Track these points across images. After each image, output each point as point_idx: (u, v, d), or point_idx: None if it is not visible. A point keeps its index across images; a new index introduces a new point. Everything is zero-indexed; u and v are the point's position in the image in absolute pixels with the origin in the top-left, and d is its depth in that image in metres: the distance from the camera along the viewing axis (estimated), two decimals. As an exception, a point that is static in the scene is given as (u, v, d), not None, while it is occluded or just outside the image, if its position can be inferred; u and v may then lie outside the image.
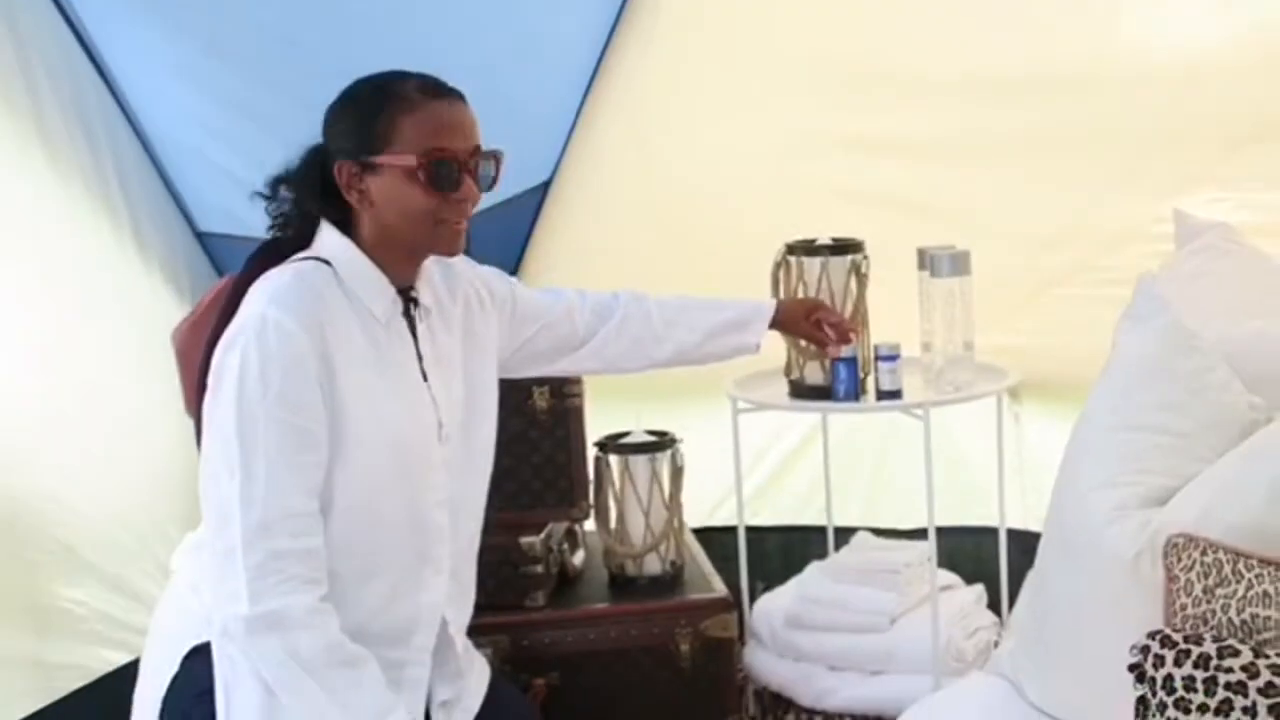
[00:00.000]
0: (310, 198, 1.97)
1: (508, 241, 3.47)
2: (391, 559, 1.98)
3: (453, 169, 1.88)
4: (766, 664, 2.99)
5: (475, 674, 2.18)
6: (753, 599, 3.08)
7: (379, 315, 1.94)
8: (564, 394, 2.91)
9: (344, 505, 1.92)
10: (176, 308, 3.12)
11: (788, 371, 2.91)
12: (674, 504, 2.91)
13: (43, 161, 2.89)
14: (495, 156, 1.95)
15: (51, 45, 2.90)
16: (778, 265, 2.88)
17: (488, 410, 2.15)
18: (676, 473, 2.92)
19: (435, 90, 1.91)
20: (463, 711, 2.10)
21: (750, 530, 3.13)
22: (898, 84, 3.19)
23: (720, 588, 2.89)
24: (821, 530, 3.23)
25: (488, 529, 2.21)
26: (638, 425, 3.01)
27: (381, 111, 1.89)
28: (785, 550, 3.27)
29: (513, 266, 3.53)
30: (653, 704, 2.79)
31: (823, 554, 3.17)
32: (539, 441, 2.92)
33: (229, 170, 3.09)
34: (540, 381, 2.89)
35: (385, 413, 1.94)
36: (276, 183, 2.00)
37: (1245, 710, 1.60)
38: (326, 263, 1.93)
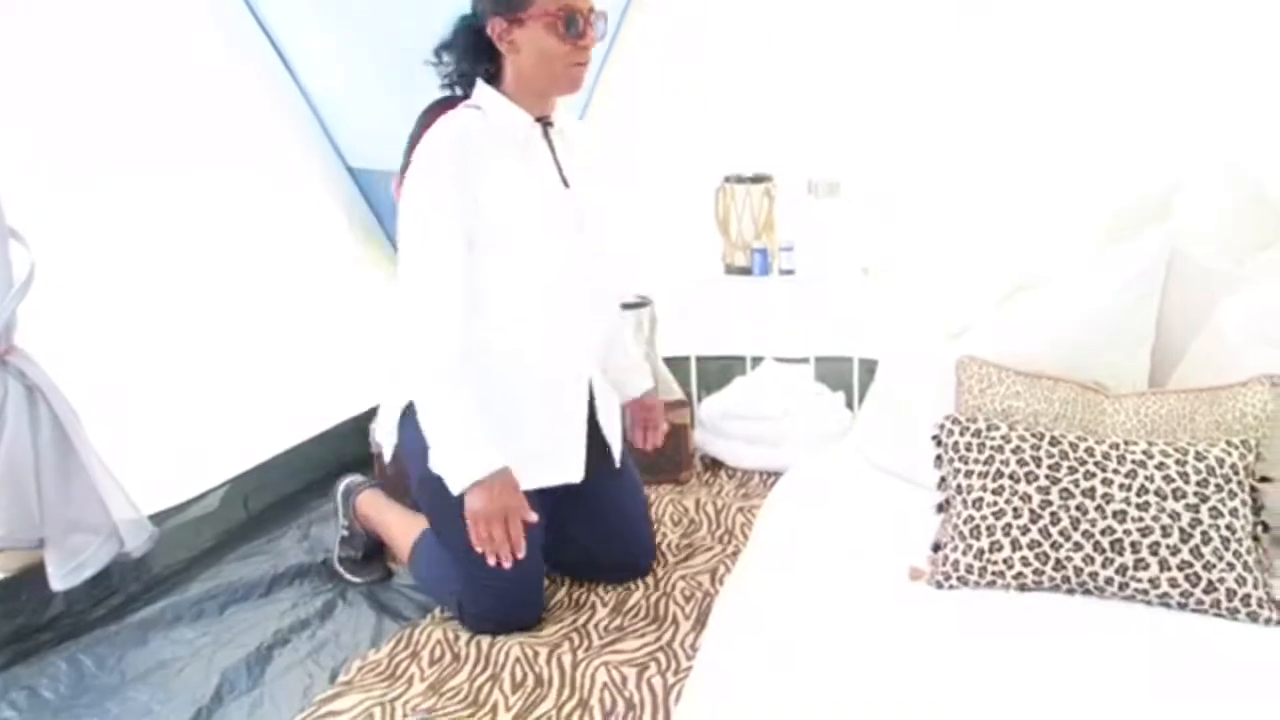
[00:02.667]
0: (464, 57, 1.87)
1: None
2: (544, 312, 1.92)
3: (579, 21, 1.79)
4: (709, 441, 3.05)
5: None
6: (700, 400, 3.14)
7: (519, 139, 1.86)
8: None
9: (504, 282, 1.85)
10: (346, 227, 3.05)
11: (724, 257, 2.94)
12: (651, 341, 2.95)
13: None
14: (604, 15, 1.82)
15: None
16: (718, 190, 2.88)
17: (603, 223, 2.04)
18: (652, 323, 2.96)
19: None
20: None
21: (700, 359, 3.18)
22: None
23: (679, 393, 2.95)
24: (743, 358, 3.28)
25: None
26: (628, 294, 3.02)
27: None
28: (722, 370, 3.29)
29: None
30: (638, 464, 2.85)
31: (744, 372, 3.22)
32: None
33: (369, 116, 2.91)
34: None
35: (532, 205, 1.86)
36: (439, 50, 1.90)
37: (1002, 462, 1.64)
38: (476, 108, 1.85)
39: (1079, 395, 1.81)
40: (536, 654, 1.95)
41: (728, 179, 2.88)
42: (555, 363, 1.96)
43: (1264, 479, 1.62)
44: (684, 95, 3.20)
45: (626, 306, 2.93)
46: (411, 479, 2.04)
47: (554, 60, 1.80)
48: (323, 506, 2.72)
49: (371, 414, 2.89)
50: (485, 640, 2.01)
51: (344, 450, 2.96)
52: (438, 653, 2.01)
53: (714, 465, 3.02)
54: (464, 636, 2.04)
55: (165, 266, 2.44)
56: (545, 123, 1.91)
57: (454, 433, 1.80)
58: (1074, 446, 1.63)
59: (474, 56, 1.88)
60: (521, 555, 1.82)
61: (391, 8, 2.60)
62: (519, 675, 1.90)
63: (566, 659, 1.93)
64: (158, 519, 2.27)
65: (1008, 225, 2.27)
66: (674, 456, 2.87)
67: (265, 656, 2.01)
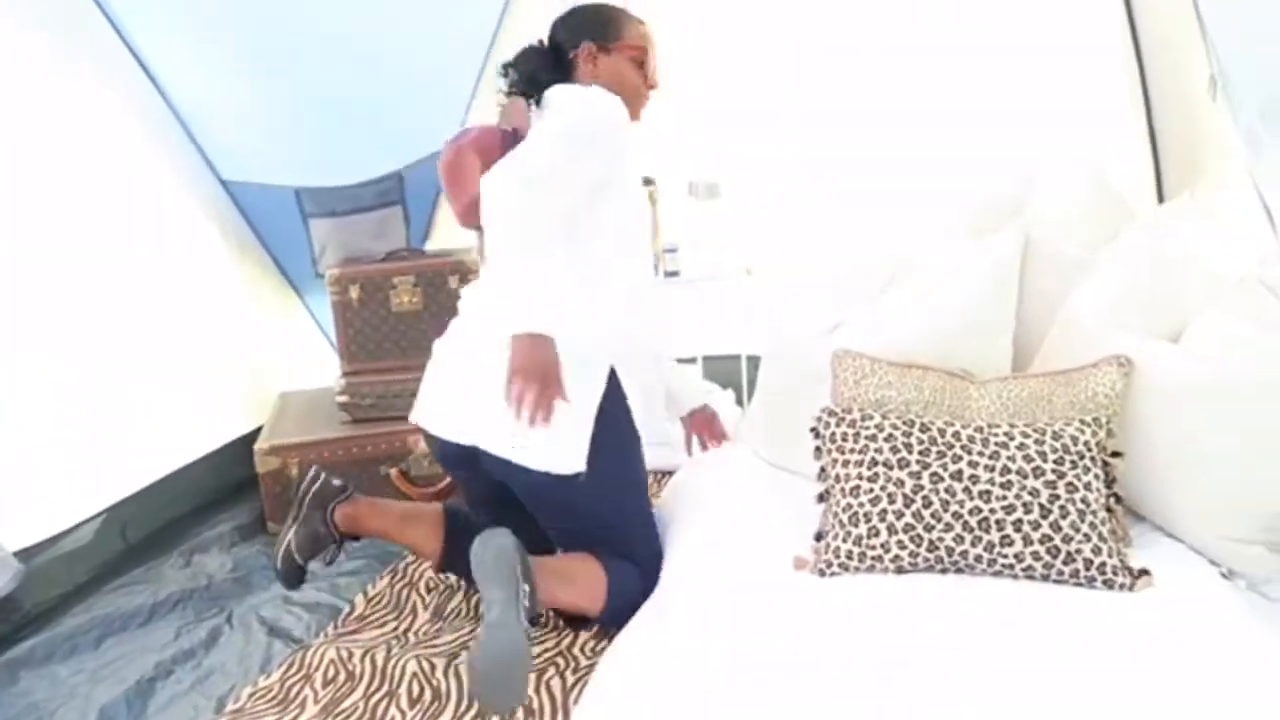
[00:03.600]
0: (544, 69, 1.96)
1: (421, 199, 3.30)
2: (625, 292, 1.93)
3: (651, 63, 1.99)
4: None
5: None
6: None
7: None
8: (468, 280, 2.89)
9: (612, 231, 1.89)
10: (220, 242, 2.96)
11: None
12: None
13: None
14: None
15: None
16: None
17: None
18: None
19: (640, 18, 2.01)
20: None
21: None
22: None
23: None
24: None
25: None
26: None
27: (618, 16, 1.98)
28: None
29: (427, 218, 3.37)
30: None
31: (635, 374, 3.24)
32: (454, 309, 2.83)
33: (240, 130, 2.86)
34: (453, 270, 2.89)
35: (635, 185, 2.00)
36: (508, 66, 1.99)
37: (876, 450, 1.70)
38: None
39: (947, 383, 1.89)
40: (434, 666, 1.93)
41: (610, 183, 2.90)
42: (624, 334, 1.93)
43: (1115, 454, 1.72)
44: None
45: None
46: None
47: (626, 88, 1.95)
48: (207, 532, 2.64)
49: (256, 434, 2.82)
50: (380, 655, 1.98)
51: (229, 472, 2.88)
52: (331, 673, 1.97)
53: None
54: (358, 654, 2.00)
55: (29, 289, 2.33)
56: None
57: (543, 270, 1.67)
58: (942, 432, 1.71)
59: (552, 71, 1.97)
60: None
61: (259, 23, 2.56)
62: (416, 690, 1.88)
63: (465, 670, 1.92)
64: (25, 555, 2.17)
65: (878, 223, 2.36)
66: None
67: (146, 690, 1.93)
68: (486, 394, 1.74)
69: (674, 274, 2.84)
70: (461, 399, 1.89)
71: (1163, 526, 1.80)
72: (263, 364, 3.19)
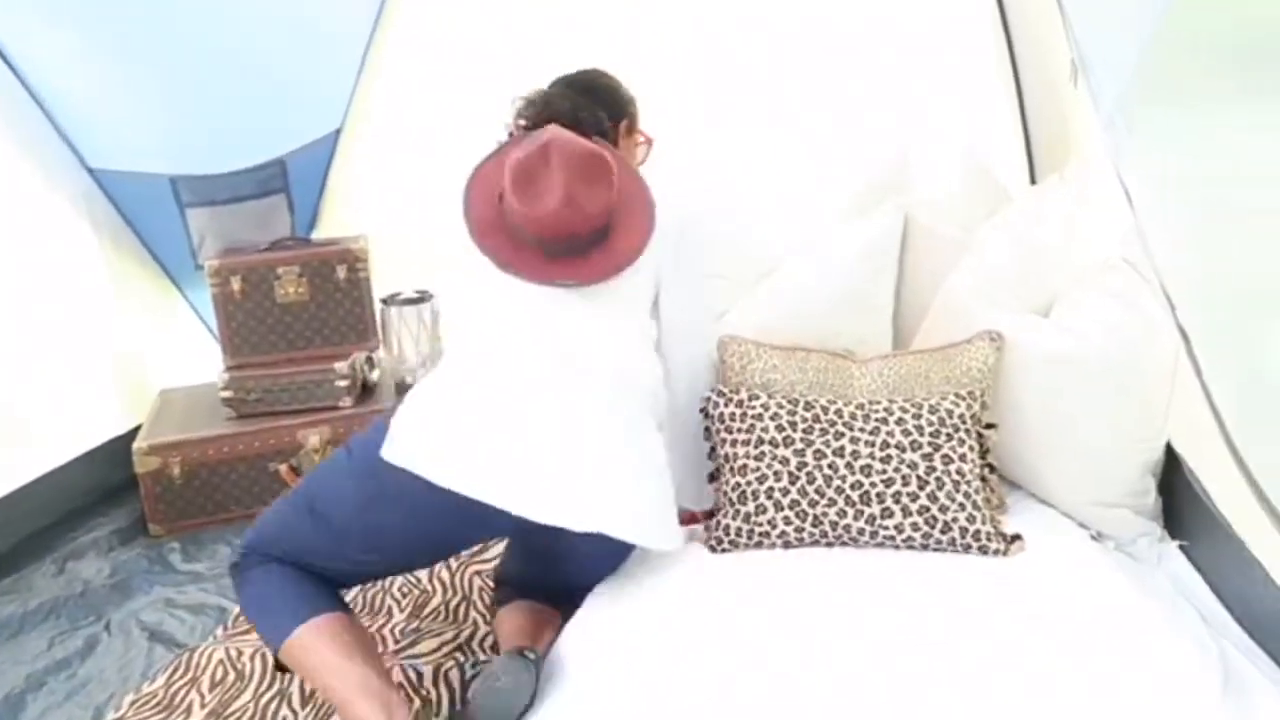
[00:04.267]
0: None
1: (307, 186, 3.20)
2: None
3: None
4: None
5: None
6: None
7: None
8: (356, 269, 2.85)
9: None
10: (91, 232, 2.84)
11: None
12: (434, 335, 2.92)
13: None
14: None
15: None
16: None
17: None
18: (434, 316, 2.92)
19: None
20: None
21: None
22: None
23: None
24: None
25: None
26: (409, 288, 2.97)
27: (635, 106, 1.96)
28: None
29: (313, 206, 3.28)
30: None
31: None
32: (342, 300, 2.85)
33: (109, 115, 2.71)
34: (340, 260, 2.83)
35: None
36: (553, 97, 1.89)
37: (763, 429, 1.74)
38: None
39: (830, 363, 1.94)
40: (325, 665, 1.89)
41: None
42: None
43: (989, 425, 1.80)
44: (449, 96, 3.19)
45: (406, 302, 2.89)
46: None
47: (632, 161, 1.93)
48: (82, 537, 2.52)
49: (135, 433, 2.71)
50: (270, 655, 1.93)
51: (106, 474, 2.75)
52: (220, 674, 1.91)
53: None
54: (248, 652, 1.95)
55: None
56: None
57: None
58: (825, 410, 1.75)
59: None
60: None
61: (123, 7, 2.45)
62: (308, 688, 1.84)
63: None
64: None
65: (760, 209, 2.39)
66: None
67: (16, 704, 1.84)
68: (632, 482, 1.57)
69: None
70: (580, 480, 1.54)
71: (1036, 494, 1.89)
72: (141, 360, 3.06)
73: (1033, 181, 2.82)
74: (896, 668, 1.35)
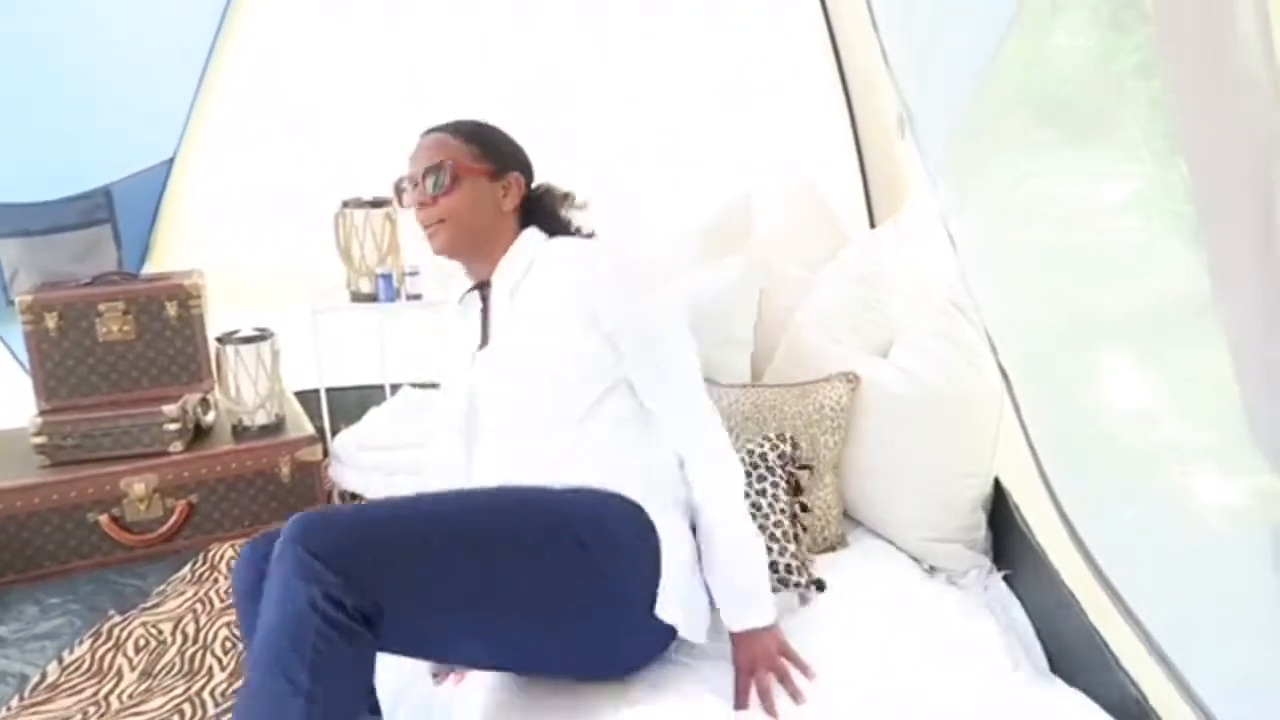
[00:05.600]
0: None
1: (136, 218, 3.04)
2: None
3: (402, 190, 1.62)
4: (344, 474, 2.90)
5: None
6: (335, 433, 3.01)
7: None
8: (188, 306, 2.70)
9: None
10: None
11: (348, 285, 2.85)
12: (274, 375, 2.78)
13: None
14: (434, 169, 1.55)
15: None
16: (337, 216, 2.79)
17: None
18: (275, 355, 2.79)
19: None
20: None
21: (336, 390, 3.04)
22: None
23: (309, 428, 2.80)
24: (381, 387, 3.19)
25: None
26: (246, 325, 2.83)
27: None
28: (361, 400, 3.18)
29: (144, 239, 3.13)
30: (265, 510, 2.71)
31: (382, 400, 3.13)
32: (172, 339, 2.70)
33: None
34: (170, 295, 2.68)
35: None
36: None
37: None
38: None
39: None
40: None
41: (346, 204, 2.79)
42: None
43: (804, 466, 1.84)
44: (293, 120, 3.10)
45: (243, 341, 2.76)
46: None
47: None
48: None
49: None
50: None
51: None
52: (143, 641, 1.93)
53: (352, 500, 2.90)
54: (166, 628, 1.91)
55: None
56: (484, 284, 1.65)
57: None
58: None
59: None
60: None
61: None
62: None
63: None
64: None
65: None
66: (306, 496, 2.73)
67: None
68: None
69: (416, 297, 2.77)
70: None
71: (879, 531, 1.94)
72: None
73: (871, 225, 2.94)
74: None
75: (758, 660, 1.44)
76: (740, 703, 1.41)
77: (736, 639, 1.47)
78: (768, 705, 1.39)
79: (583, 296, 1.48)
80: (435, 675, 1.63)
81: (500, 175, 1.60)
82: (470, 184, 1.56)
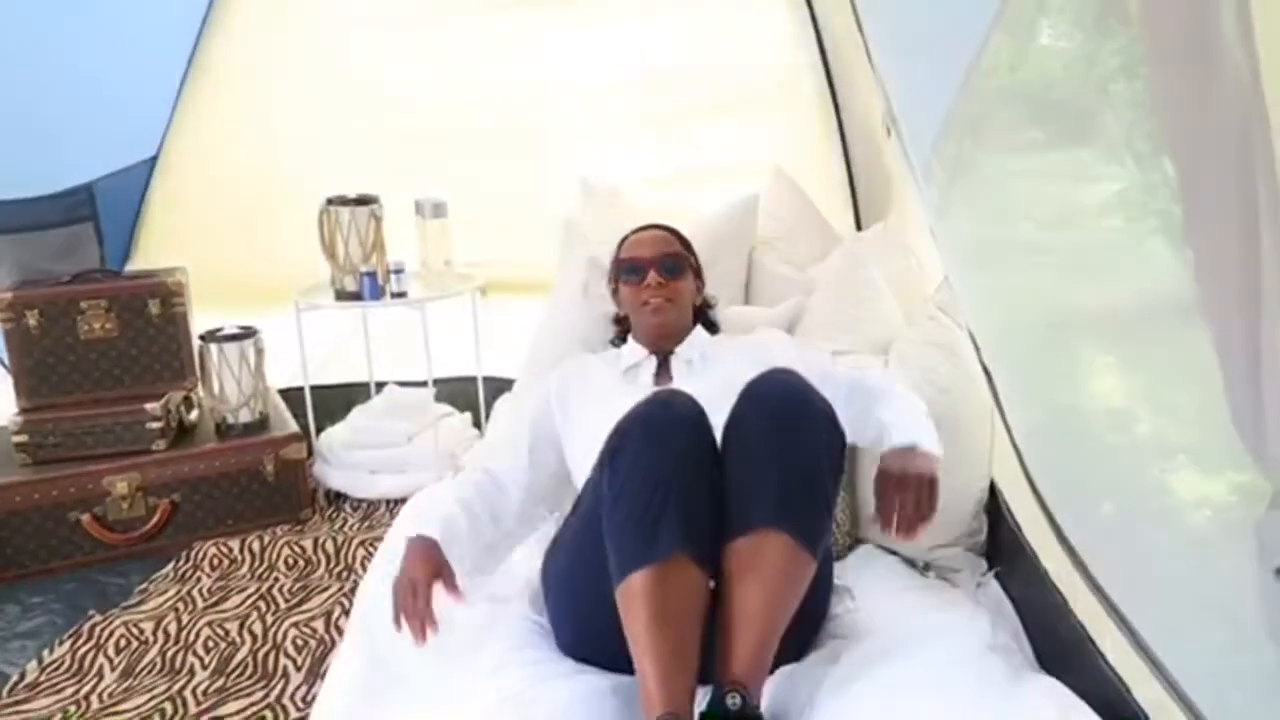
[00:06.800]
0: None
1: (119, 216, 3.03)
2: None
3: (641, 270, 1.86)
4: (328, 473, 2.92)
5: None
6: (319, 431, 3.00)
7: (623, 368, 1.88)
8: (171, 304, 2.68)
9: None
10: None
11: (333, 283, 2.83)
12: (259, 374, 2.77)
13: None
14: (670, 257, 1.86)
15: None
16: (321, 213, 2.77)
17: None
18: (259, 353, 2.77)
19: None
20: None
21: (320, 388, 3.03)
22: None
23: (293, 426, 2.79)
24: (366, 384, 3.18)
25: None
26: (230, 325, 2.81)
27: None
28: (346, 399, 3.16)
29: (127, 237, 3.11)
30: (249, 508, 2.69)
31: (367, 399, 3.12)
32: (155, 337, 2.68)
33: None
34: (153, 293, 2.66)
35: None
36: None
37: None
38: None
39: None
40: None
41: (331, 201, 2.77)
42: None
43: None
44: (277, 118, 3.09)
45: (227, 339, 2.74)
46: None
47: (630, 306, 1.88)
48: None
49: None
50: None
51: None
52: (123, 642, 1.91)
53: (337, 499, 2.90)
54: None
55: None
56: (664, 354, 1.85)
57: None
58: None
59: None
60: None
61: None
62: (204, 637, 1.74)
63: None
64: None
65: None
66: (290, 494, 2.72)
67: None
68: None
69: (401, 295, 2.76)
70: None
71: (882, 545, 1.91)
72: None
73: (858, 226, 2.94)
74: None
75: (909, 472, 1.47)
76: (887, 520, 1.44)
77: (896, 452, 1.51)
78: (905, 518, 1.43)
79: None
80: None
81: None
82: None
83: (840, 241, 2.50)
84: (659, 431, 1.37)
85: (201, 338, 2.75)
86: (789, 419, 1.39)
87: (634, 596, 1.28)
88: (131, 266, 3.07)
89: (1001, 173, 1.56)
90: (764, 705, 1.29)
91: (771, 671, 1.35)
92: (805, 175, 2.70)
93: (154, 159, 3.09)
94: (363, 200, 2.77)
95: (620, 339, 1.98)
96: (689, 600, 1.30)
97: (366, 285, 2.71)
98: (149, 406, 2.60)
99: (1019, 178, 1.51)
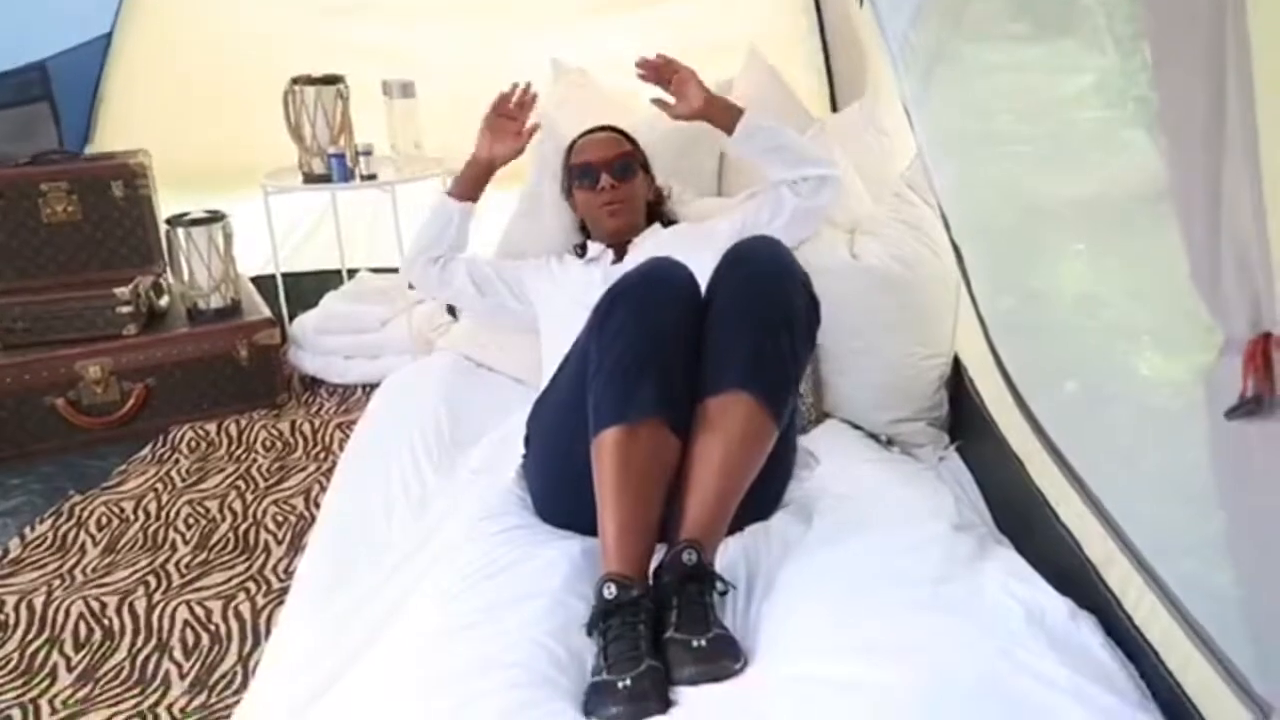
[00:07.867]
0: None
1: (75, 95, 2.92)
2: None
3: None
4: (303, 359, 2.91)
5: None
6: (293, 318, 2.97)
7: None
8: (135, 186, 2.61)
9: None
10: None
11: (301, 166, 2.76)
12: (228, 258, 2.72)
13: None
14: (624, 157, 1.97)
15: None
16: (286, 93, 2.68)
17: None
18: (228, 238, 2.72)
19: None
20: None
21: (292, 275, 2.99)
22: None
23: (265, 312, 2.77)
24: (338, 271, 3.14)
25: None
26: (198, 208, 2.73)
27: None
28: (318, 285, 3.12)
29: (85, 118, 2.99)
30: (224, 394, 2.68)
31: (339, 285, 3.08)
32: (120, 220, 2.62)
33: None
34: (115, 175, 2.58)
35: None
36: None
37: None
38: None
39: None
40: (104, 605, 1.78)
41: (296, 81, 2.68)
42: None
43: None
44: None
45: (194, 223, 2.68)
46: None
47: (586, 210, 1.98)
48: None
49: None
50: (39, 601, 1.80)
51: None
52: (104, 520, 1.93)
53: (312, 384, 2.90)
54: (11, 601, 1.80)
55: None
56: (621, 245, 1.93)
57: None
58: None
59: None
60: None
61: None
62: (84, 632, 1.73)
63: (141, 605, 1.78)
64: None
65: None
66: (265, 380, 2.71)
67: None
68: None
69: (371, 177, 2.70)
70: None
71: (845, 417, 1.94)
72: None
73: (834, 109, 2.89)
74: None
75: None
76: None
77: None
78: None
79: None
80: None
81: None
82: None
83: (814, 122, 2.45)
84: (649, 297, 1.40)
85: (168, 222, 2.69)
86: (766, 280, 1.43)
87: (605, 451, 1.31)
88: (92, 149, 2.97)
89: (983, 64, 1.52)
90: (723, 563, 1.32)
91: (738, 530, 1.39)
92: (781, 52, 2.63)
93: (109, 35, 2.95)
94: (329, 80, 2.68)
95: (582, 249, 1.99)
96: (658, 460, 1.32)
97: (335, 167, 2.65)
98: (118, 290, 2.56)
99: (1001, 71, 1.47)
